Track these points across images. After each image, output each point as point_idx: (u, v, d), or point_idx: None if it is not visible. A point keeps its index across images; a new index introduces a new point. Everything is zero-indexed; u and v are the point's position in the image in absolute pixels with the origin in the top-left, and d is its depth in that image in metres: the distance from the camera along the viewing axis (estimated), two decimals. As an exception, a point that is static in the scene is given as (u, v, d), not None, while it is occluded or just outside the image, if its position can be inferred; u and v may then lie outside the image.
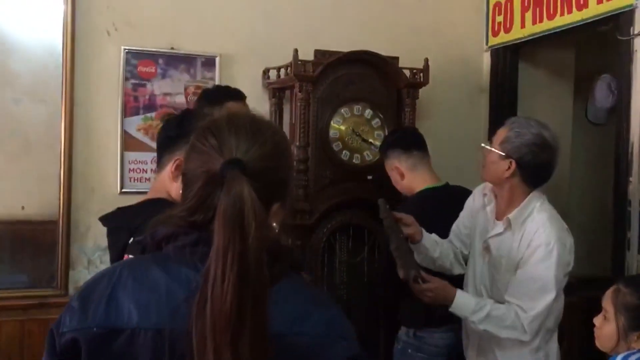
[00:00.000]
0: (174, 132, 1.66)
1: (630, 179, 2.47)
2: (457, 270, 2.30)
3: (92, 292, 0.98)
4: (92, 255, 2.83)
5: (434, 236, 2.25)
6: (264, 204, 0.95)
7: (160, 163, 1.69)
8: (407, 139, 2.60)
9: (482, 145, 2.15)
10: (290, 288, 1.00)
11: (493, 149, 2.04)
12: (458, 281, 2.21)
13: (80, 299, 0.98)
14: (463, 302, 2.01)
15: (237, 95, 2.50)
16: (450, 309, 2.02)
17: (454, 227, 2.35)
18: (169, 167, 1.64)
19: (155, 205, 1.52)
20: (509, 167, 2.00)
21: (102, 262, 2.82)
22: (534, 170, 2.00)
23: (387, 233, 2.12)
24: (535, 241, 1.96)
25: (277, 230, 1.03)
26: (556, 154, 2.01)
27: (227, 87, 2.60)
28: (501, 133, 2.05)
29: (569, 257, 1.98)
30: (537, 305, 1.94)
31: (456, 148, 3.29)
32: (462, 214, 2.34)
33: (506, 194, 2.07)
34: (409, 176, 2.53)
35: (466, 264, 2.29)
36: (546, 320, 1.98)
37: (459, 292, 2.03)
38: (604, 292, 1.74)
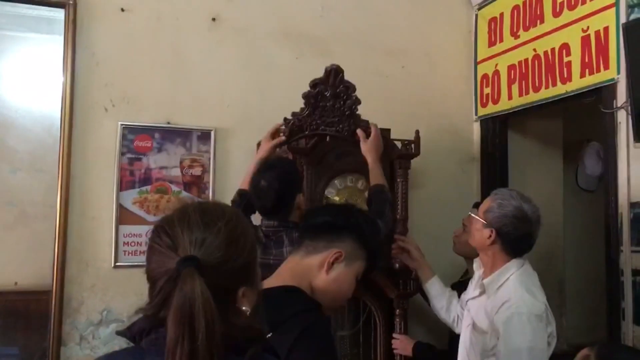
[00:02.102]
0: (342, 222, 1.60)
1: (622, 248, 2.48)
2: (458, 330, 2.43)
3: None
4: (84, 331, 2.79)
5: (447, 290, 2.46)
6: (227, 293, 0.99)
7: (312, 247, 1.59)
8: None
9: (469, 213, 2.28)
10: None
11: (477, 217, 2.16)
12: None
13: None
14: None
15: None
16: None
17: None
18: (325, 256, 1.56)
19: (293, 297, 1.47)
20: (490, 236, 2.10)
21: (95, 337, 2.79)
22: (513, 240, 2.09)
23: None
24: (506, 310, 2.00)
25: (248, 313, 1.04)
26: (535, 226, 2.10)
27: None
28: (486, 203, 2.16)
29: (543, 326, 1.99)
30: None
31: (449, 216, 3.30)
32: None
33: (489, 260, 2.16)
34: None
35: None
36: None
37: None
38: None
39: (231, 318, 0.99)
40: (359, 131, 2.64)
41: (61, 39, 2.82)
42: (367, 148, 2.61)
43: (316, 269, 1.55)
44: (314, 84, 2.61)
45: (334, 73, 2.61)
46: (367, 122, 2.70)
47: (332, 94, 2.61)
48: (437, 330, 3.06)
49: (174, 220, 1.04)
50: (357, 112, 2.71)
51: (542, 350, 1.96)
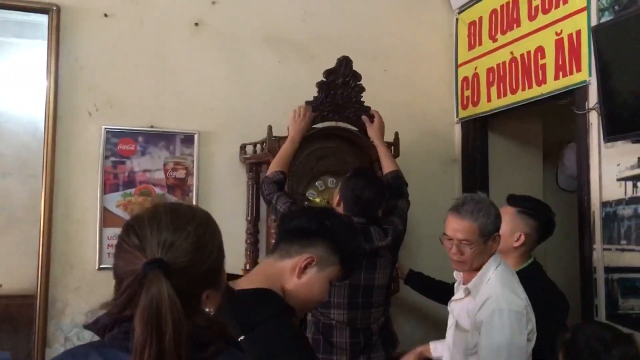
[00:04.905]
0: (316, 227, 1.61)
1: (594, 246, 2.54)
2: None
3: None
4: (69, 332, 2.82)
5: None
6: (191, 296, 1.01)
7: (285, 251, 1.61)
8: None
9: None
10: None
11: None
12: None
13: None
14: None
15: None
16: None
17: None
18: (297, 261, 1.57)
19: (267, 299, 1.48)
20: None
21: (80, 339, 2.82)
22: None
23: None
24: (487, 307, 2.04)
25: (212, 314, 1.07)
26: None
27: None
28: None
29: (523, 323, 2.02)
30: None
31: (430, 217, 3.36)
32: None
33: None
34: None
35: None
36: None
37: None
38: None
39: (195, 318, 1.02)
40: (364, 117, 2.91)
41: (45, 44, 2.86)
42: (374, 130, 2.90)
43: (288, 273, 1.57)
44: (328, 73, 2.84)
45: (345, 62, 2.85)
46: (369, 108, 2.92)
47: (342, 82, 2.86)
48: (426, 323, 3.13)
49: (144, 220, 1.07)
50: (361, 99, 2.91)
51: (521, 347, 1.99)
